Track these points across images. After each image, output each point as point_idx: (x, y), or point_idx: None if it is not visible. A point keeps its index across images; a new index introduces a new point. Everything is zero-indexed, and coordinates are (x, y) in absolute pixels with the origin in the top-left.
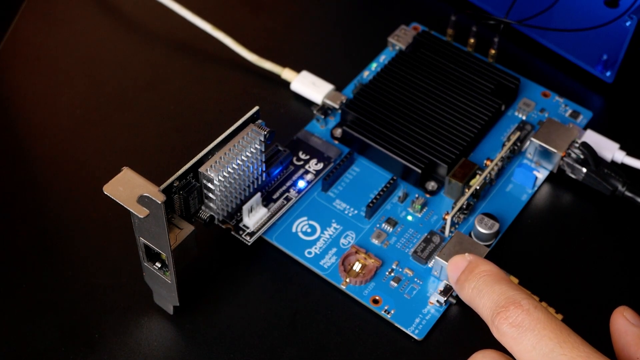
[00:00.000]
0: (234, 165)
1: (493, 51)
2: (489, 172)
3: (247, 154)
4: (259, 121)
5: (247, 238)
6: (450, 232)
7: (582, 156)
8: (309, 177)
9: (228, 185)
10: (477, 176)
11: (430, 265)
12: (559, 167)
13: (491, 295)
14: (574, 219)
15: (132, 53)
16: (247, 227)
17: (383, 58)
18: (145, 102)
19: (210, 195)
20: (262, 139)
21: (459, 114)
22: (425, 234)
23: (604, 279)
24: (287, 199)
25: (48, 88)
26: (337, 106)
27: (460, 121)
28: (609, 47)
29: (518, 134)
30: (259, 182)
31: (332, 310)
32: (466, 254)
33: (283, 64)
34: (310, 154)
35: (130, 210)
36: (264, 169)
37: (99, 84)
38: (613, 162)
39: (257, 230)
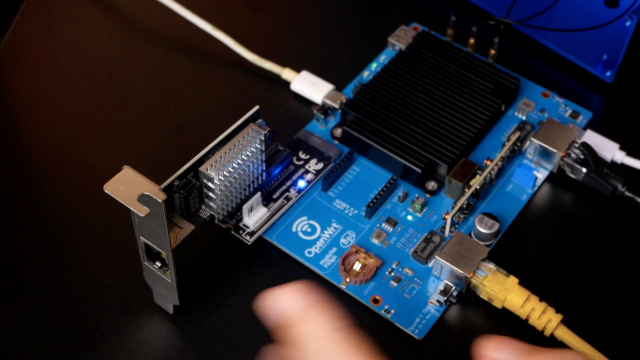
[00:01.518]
0: (234, 165)
1: (493, 51)
2: (489, 172)
3: (247, 153)
4: (259, 120)
5: (247, 238)
6: (451, 231)
7: (582, 156)
8: (309, 176)
9: (228, 185)
10: (477, 176)
11: (430, 265)
12: (559, 167)
13: None
14: (574, 219)
15: (132, 53)
16: (247, 227)
17: (383, 58)
18: (145, 102)
19: (211, 194)
20: (263, 138)
21: (459, 114)
22: (426, 234)
23: (604, 278)
24: (287, 199)
25: (48, 88)
26: (337, 106)
27: (460, 121)
28: (609, 47)
29: (518, 134)
30: (259, 182)
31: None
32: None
33: (283, 64)
34: (310, 154)
35: (131, 209)
36: (264, 169)
37: (99, 84)
38: (613, 162)
39: (257, 230)
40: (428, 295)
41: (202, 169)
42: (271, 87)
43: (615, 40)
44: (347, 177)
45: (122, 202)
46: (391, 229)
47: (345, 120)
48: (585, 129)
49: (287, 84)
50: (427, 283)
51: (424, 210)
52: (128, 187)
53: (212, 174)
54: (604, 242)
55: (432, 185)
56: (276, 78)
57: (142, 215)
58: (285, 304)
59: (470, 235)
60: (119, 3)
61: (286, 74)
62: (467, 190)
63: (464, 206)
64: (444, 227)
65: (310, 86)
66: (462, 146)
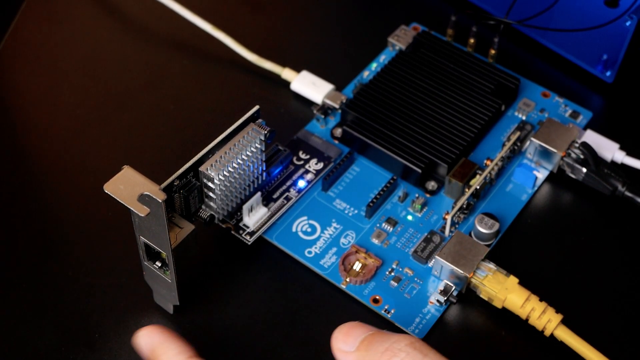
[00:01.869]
0: (234, 165)
1: (493, 51)
2: (489, 172)
3: (248, 153)
4: (259, 120)
5: (247, 237)
6: (451, 231)
7: (582, 156)
8: (309, 176)
9: (228, 185)
10: (477, 176)
11: (430, 265)
12: (559, 167)
13: None
14: (574, 219)
15: (132, 53)
16: (247, 227)
17: (383, 58)
18: (145, 102)
19: (211, 194)
20: (263, 138)
21: (459, 114)
22: (426, 234)
23: (604, 278)
24: (287, 199)
25: (48, 88)
26: (337, 106)
27: (460, 121)
28: (609, 47)
29: (518, 134)
30: (259, 182)
31: (332, 310)
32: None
33: (283, 64)
34: (310, 154)
35: (131, 208)
36: (264, 169)
37: (99, 84)
38: (613, 162)
39: (257, 230)
40: (428, 295)
41: (202, 169)
42: (271, 87)
43: (615, 40)
44: (347, 177)
45: (122, 202)
46: (391, 229)
47: (345, 120)
48: (585, 129)
49: (287, 84)
50: (427, 283)
51: (424, 210)
52: (128, 187)
53: (212, 174)
54: (604, 242)
55: (432, 185)
56: (276, 78)
57: (142, 215)
58: (142, 348)
59: (470, 235)
60: (119, 3)
61: (286, 74)
62: (467, 190)
63: (464, 206)
64: (444, 227)
65: (310, 86)
66: (462, 146)
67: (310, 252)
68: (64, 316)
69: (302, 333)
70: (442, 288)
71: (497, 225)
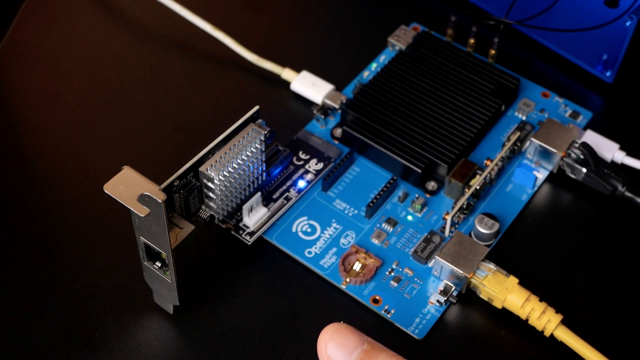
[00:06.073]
0: (234, 165)
1: (493, 51)
2: (489, 172)
3: (248, 153)
4: (259, 121)
5: (247, 238)
6: (451, 232)
7: (582, 156)
8: (309, 176)
9: (228, 185)
10: (477, 176)
11: (430, 265)
12: (559, 167)
13: None
14: (574, 219)
15: (132, 53)
16: (247, 227)
17: (383, 58)
18: (145, 102)
19: (211, 194)
20: (263, 138)
21: (459, 114)
22: (425, 234)
23: (604, 279)
24: (287, 199)
25: (48, 88)
26: (337, 106)
27: (460, 121)
28: (609, 47)
29: (518, 134)
30: (259, 182)
31: (332, 310)
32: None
33: (283, 64)
34: (310, 154)
35: (131, 209)
36: (264, 169)
37: (99, 84)
38: (613, 162)
39: (257, 230)
40: (428, 295)
41: (202, 169)
42: (271, 87)
43: (615, 40)
44: (347, 177)
45: (122, 202)
46: (391, 229)
47: (345, 120)
48: (585, 129)
49: (287, 84)
50: (427, 283)
51: (424, 210)
52: (128, 187)
53: (212, 174)
54: (604, 243)
55: (432, 185)
56: (276, 78)
57: (142, 216)
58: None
59: (470, 235)
60: (119, 3)
61: (286, 74)
62: (467, 190)
63: (464, 206)
64: (444, 227)
65: (310, 86)
66: (462, 146)
67: (310, 252)
68: (64, 316)
69: (302, 333)
70: (442, 288)
71: (497, 226)
